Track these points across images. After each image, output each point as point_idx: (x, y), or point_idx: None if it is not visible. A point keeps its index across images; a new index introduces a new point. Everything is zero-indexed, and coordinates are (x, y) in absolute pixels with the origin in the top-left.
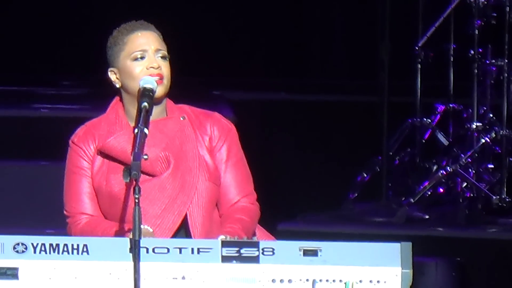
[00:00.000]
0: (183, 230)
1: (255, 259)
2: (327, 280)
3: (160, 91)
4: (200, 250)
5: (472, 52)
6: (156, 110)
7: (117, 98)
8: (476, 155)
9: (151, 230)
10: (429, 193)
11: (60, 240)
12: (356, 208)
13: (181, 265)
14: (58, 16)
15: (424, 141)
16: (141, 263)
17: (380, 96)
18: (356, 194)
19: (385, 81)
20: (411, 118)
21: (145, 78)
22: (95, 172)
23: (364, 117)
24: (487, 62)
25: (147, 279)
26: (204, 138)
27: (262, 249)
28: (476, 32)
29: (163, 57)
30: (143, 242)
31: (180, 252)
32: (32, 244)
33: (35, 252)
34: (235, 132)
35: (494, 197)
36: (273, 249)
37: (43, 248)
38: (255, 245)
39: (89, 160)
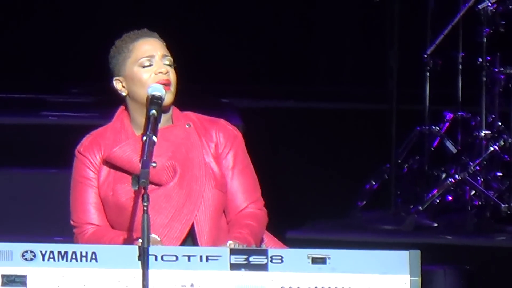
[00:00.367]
0: (190, 239)
1: (263, 267)
2: None
3: (168, 98)
4: (209, 257)
5: (481, 60)
6: (163, 118)
7: (122, 107)
8: (485, 163)
9: (158, 238)
10: (438, 201)
11: (69, 247)
12: (364, 216)
13: (190, 272)
14: (66, 24)
15: (432, 149)
16: (149, 271)
17: (389, 104)
18: (365, 202)
19: (394, 89)
20: (419, 126)
21: (153, 86)
22: (101, 182)
23: (373, 125)
24: (496, 70)
25: (155, 287)
26: (210, 145)
27: (271, 257)
28: (485, 40)
29: (169, 64)
30: (152, 249)
31: (189, 259)
32: (41, 251)
33: (43, 259)
34: (241, 138)
35: (502, 205)
36: (282, 257)
37: (51, 256)
38: (264, 253)
39: (95, 170)
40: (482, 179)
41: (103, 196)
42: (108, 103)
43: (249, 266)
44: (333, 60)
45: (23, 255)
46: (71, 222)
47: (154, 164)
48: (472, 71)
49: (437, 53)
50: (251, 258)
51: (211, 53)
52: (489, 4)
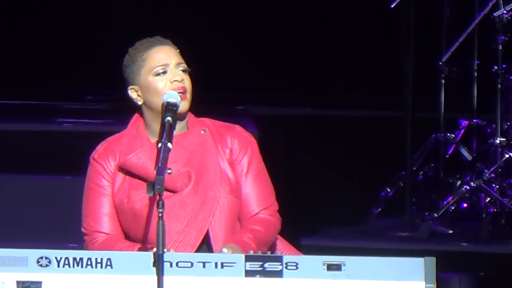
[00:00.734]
0: (205, 245)
1: (278, 274)
2: None
3: (183, 106)
4: (224, 264)
5: (496, 67)
6: (179, 125)
7: (137, 114)
8: (500, 170)
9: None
10: (453, 208)
11: (84, 254)
12: (379, 223)
13: (205, 279)
14: (81, 31)
15: (447, 156)
16: (164, 277)
17: (404, 111)
18: (380, 209)
19: (409, 96)
20: (435, 133)
21: (168, 93)
22: (116, 189)
23: (388, 132)
24: (511, 78)
25: None
26: (225, 151)
27: (286, 264)
28: (500, 47)
29: (184, 71)
30: (167, 256)
31: (204, 266)
32: (56, 258)
33: (58, 266)
34: (255, 144)
35: None
36: (297, 263)
37: (66, 262)
38: (279, 259)
39: (109, 177)
40: (497, 186)
41: (118, 203)
42: (123, 110)
43: (264, 273)
44: (349, 68)
45: (38, 262)
46: (82, 229)
47: (169, 171)
48: (487, 78)
49: (453, 61)
50: (266, 265)
51: (227, 60)
52: (505, 12)
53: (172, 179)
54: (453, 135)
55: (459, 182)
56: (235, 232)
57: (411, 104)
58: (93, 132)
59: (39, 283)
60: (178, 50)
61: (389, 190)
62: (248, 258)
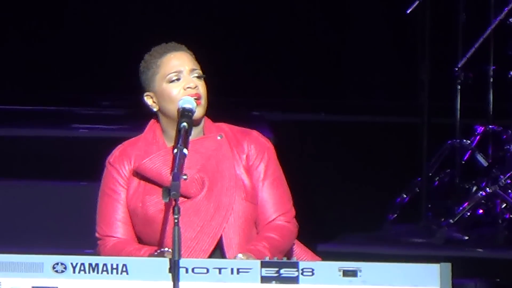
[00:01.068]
0: (218, 251)
1: (294, 280)
2: None
3: (199, 112)
4: (240, 270)
5: None
6: (194, 130)
7: (154, 119)
8: None
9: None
10: (469, 214)
11: (99, 260)
12: (395, 229)
13: (221, 285)
14: (97, 36)
15: (463, 162)
16: (180, 283)
17: (420, 117)
18: (396, 215)
19: (425, 102)
20: (450, 139)
21: (184, 98)
22: (131, 193)
23: (404, 138)
24: None
25: None
26: (241, 157)
27: (302, 270)
28: None
29: (198, 77)
30: (183, 262)
31: (220, 272)
32: (72, 263)
33: (74, 271)
34: (272, 150)
35: None
36: (313, 269)
37: (82, 268)
38: (295, 265)
39: (123, 182)
40: None
41: (132, 207)
42: (139, 115)
43: (280, 279)
44: (365, 73)
45: (54, 267)
46: (96, 233)
47: (184, 177)
48: (503, 84)
49: (468, 67)
50: (282, 271)
51: (242, 66)
52: None
53: (186, 185)
54: (469, 141)
55: (475, 188)
56: (251, 238)
57: (427, 110)
58: (109, 138)
59: None
60: (194, 56)
61: (405, 196)
62: (264, 264)
